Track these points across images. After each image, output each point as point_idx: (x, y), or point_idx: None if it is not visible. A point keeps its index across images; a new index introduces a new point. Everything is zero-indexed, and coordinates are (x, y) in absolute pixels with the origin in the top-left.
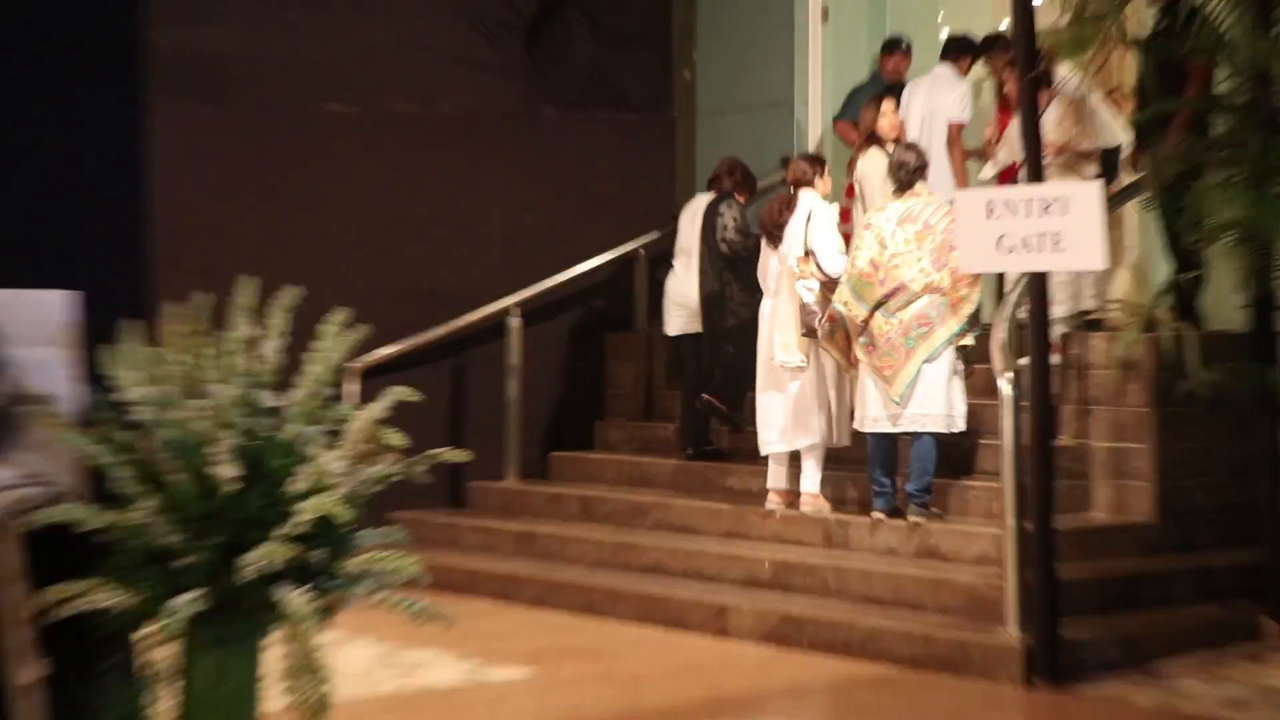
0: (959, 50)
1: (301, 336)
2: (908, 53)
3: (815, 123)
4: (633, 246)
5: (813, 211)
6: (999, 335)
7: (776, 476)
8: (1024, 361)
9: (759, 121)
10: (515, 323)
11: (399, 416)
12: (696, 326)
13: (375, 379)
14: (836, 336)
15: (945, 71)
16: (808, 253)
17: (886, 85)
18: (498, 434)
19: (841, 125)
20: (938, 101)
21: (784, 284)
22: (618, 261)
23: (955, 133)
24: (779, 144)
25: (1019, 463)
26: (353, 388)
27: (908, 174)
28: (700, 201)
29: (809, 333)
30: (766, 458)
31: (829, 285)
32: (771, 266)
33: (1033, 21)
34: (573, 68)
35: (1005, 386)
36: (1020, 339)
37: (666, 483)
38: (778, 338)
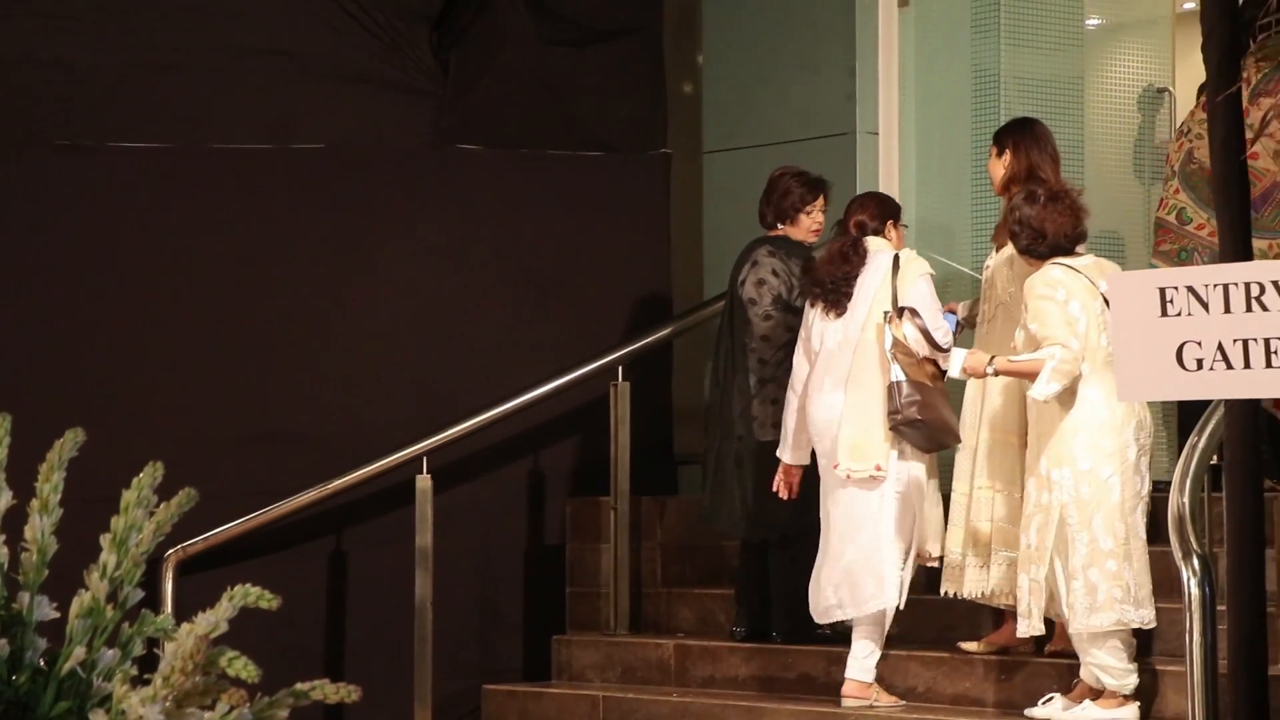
0: None
1: (86, 506)
2: None
3: (889, 159)
4: (606, 360)
5: (901, 261)
6: (1179, 500)
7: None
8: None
9: (800, 158)
10: (425, 483)
11: (247, 631)
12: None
13: (206, 573)
14: None
15: None
16: (902, 311)
17: None
18: (401, 656)
19: None
20: None
21: (856, 358)
22: (581, 383)
23: None
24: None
25: (1213, 702)
26: (171, 587)
27: None
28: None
29: (903, 424)
30: (826, 633)
31: (923, 362)
32: (827, 338)
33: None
34: (509, 83)
35: (1192, 583)
36: (1211, 504)
37: None
38: (845, 436)
